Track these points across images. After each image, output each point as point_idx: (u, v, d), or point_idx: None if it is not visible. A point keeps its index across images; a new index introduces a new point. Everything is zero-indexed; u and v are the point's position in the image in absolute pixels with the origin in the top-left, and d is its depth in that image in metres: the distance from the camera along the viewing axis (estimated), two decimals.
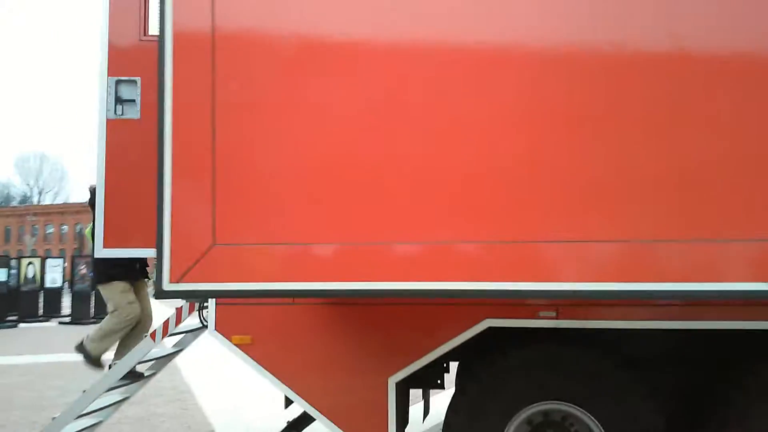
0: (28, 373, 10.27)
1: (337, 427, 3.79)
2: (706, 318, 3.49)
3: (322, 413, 3.81)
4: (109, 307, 4.96)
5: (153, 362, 4.79)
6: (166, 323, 4.34)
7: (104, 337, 4.90)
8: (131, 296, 4.98)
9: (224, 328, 3.88)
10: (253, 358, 3.84)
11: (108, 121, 4.26)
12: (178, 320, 4.34)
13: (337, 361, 3.79)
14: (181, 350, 4.89)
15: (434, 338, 3.68)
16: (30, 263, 20.03)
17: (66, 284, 24.41)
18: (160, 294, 2.79)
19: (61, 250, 73.73)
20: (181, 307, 4.34)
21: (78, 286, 19.42)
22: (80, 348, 4.98)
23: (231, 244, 2.77)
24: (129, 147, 4.27)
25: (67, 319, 19.11)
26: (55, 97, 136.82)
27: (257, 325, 3.87)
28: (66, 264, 24.15)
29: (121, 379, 4.47)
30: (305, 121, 2.84)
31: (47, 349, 13.09)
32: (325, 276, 2.73)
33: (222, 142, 2.82)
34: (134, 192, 4.22)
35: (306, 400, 3.83)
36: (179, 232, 2.80)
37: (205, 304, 4.10)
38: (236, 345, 3.85)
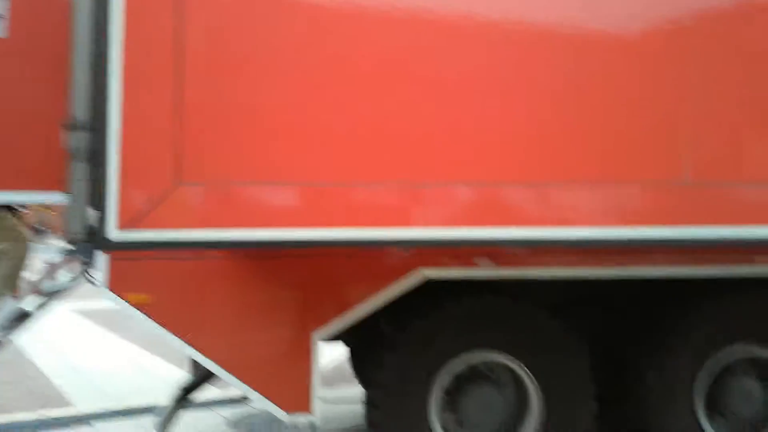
0: None
1: (252, 389, 3.43)
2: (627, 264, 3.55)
3: (236, 376, 3.41)
4: None
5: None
6: (33, 279, 3.65)
7: None
8: None
9: (118, 286, 3.32)
10: (153, 319, 3.33)
11: None
12: (50, 275, 3.66)
13: (254, 319, 3.41)
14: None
15: (364, 290, 3.41)
16: None
17: None
18: (105, 244, 2.24)
19: None
20: (55, 261, 3.66)
21: None
22: None
23: (201, 184, 2.27)
24: None
25: None
26: None
27: (158, 282, 3.36)
28: None
29: None
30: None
31: None
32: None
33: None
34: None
35: (217, 363, 3.41)
36: (131, 166, 2.26)
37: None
38: (132, 305, 3.32)
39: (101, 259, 3.31)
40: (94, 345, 8.13)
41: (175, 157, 2.31)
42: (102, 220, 2.32)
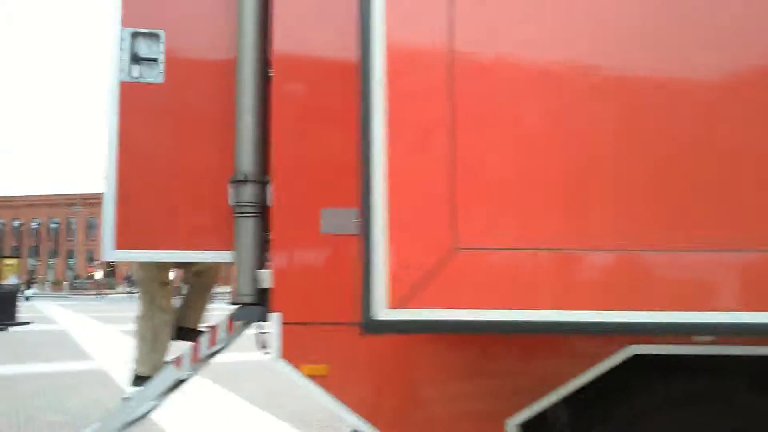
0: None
1: None
2: None
3: None
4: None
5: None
6: (195, 346, 3.39)
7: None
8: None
9: (293, 355, 3.01)
10: (329, 392, 2.98)
11: (122, 84, 3.28)
12: (212, 342, 3.40)
13: (440, 399, 3.00)
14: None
15: (566, 371, 2.95)
16: None
17: None
18: (372, 326, 1.92)
19: None
20: (216, 325, 3.40)
21: None
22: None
23: (481, 249, 1.93)
24: (149, 119, 3.32)
25: None
26: None
27: (335, 352, 3.02)
28: None
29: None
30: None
31: None
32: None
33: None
34: (158, 177, 3.28)
35: None
36: (401, 235, 1.95)
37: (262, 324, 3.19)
38: (308, 376, 2.99)
39: (273, 323, 3.02)
40: (217, 405, 7.90)
41: (450, 220, 1.98)
42: (366, 297, 1.98)
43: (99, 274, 75.31)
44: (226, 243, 3.23)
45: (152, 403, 3.57)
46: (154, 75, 3.29)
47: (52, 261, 77.84)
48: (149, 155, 3.29)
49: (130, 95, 3.27)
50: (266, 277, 3.07)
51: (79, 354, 12.65)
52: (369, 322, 1.99)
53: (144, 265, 3.63)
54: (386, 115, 2.15)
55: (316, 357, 3.01)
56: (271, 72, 3.20)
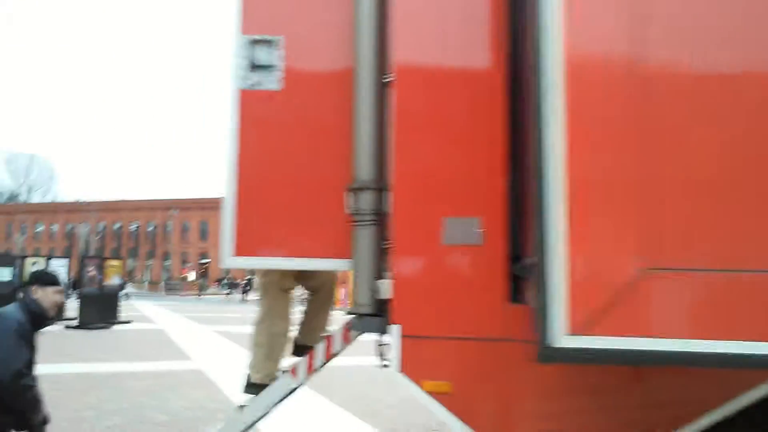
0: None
1: None
2: None
3: None
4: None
5: None
6: (311, 356, 3.34)
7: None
8: None
9: (414, 370, 2.90)
10: (452, 411, 2.86)
11: (241, 92, 3.28)
12: (327, 354, 3.34)
13: (584, 422, 2.81)
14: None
15: (723, 391, 2.70)
16: (35, 263, 18.81)
17: (71, 286, 23.11)
18: (551, 355, 1.78)
19: (51, 248, 72.32)
20: (332, 336, 3.35)
21: (86, 289, 18.18)
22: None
23: (675, 270, 1.76)
24: (267, 127, 3.31)
25: (74, 323, 17.90)
26: (47, 96, 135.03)
27: (459, 368, 2.90)
28: (71, 264, 22.88)
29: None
30: None
31: (63, 357, 11.98)
32: None
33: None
34: (276, 185, 3.26)
35: None
36: (582, 247, 1.81)
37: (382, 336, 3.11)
38: (429, 393, 2.88)
39: (392, 336, 2.93)
40: (311, 410, 7.93)
41: (638, 239, 1.79)
42: (543, 322, 1.80)
43: (192, 276, 78.30)
44: (343, 251, 3.17)
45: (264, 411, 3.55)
46: (272, 82, 3.28)
47: (148, 262, 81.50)
48: (268, 163, 3.27)
49: (249, 103, 3.27)
50: (385, 288, 2.97)
51: (178, 354, 13.04)
52: (547, 350, 1.80)
53: (267, 271, 3.62)
54: (564, 120, 1.97)
55: (437, 373, 2.90)
56: (388, 79, 3.12)
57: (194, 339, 16.03)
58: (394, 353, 2.90)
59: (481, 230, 2.87)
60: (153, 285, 61.64)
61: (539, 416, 2.83)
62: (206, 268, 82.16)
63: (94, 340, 14.71)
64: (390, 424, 7.01)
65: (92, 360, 11.53)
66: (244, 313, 28.05)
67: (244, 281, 55.11)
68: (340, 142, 3.20)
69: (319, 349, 3.33)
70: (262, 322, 3.65)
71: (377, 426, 6.93)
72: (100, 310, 17.92)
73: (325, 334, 3.57)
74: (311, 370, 3.34)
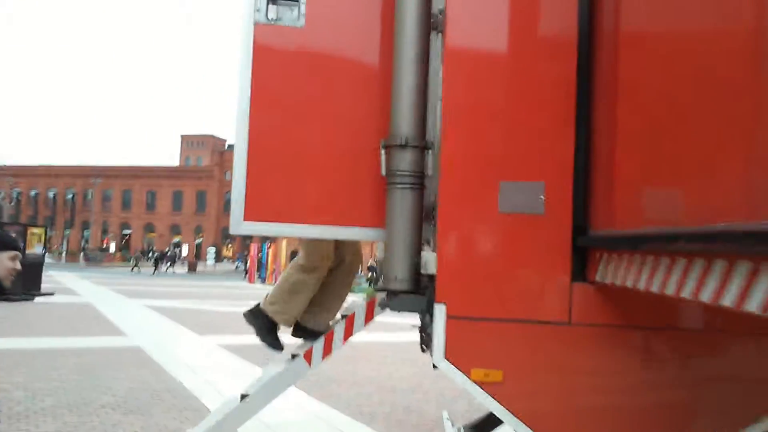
0: None
1: None
2: None
3: None
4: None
5: None
6: (329, 339, 2.91)
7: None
8: None
9: (461, 357, 2.52)
10: (500, 401, 2.49)
11: (257, 28, 2.78)
12: (348, 333, 2.92)
13: (651, 415, 2.50)
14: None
15: None
16: None
17: None
18: None
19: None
20: (353, 314, 2.92)
21: None
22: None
23: None
24: (286, 69, 2.83)
25: None
26: None
27: (513, 354, 2.53)
28: None
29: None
30: None
31: None
32: None
33: None
34: (296, 137, 2.80)
35: None
36: None
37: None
38: (477, 382, 2.50)
39: (435, 317, 2.53)
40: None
41: None
42: None
43: (113, 247, 75.46)
44: (375, 219, 2.75)
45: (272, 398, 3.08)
46: (294, 18, 2.79)
47: (67, 232, 77.94)
48: (286, 113, 2.79)
49: (266, 41, 2.78)
50: (430, 261, 2.57)
51: (112, 329, 12.27)
52: None
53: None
54: None
55: (488, 360, 2.52)
56: (438, 16, 2.69)
57: (126, 314, 15.17)
58: (436, 338, 2.51)
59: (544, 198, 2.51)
60: (72, 256, 58.85)
61: (602, 412, 2.51)
62: (128, 239, 79.33)
63: (16, 312, 13.65)
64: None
65: (15, 335, 10.61)
66: (172, 287, 27.07)
67: (166, 252, 53.45)
68: (375, 91, 2.76)
69: (338, 330, 2.91)
70: (296, 266, 3.18)
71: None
72: (23, 281, 16.70)
73: (335, 321, 3.11)
74: (329, 352, 2.91)
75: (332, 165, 2.80)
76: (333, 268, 3.18)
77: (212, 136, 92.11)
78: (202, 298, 20.92)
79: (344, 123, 2.81)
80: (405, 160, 2.68)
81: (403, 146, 2.67)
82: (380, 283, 2.74)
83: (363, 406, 6.77)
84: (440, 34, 2.67)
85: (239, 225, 2.74)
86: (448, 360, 2.51)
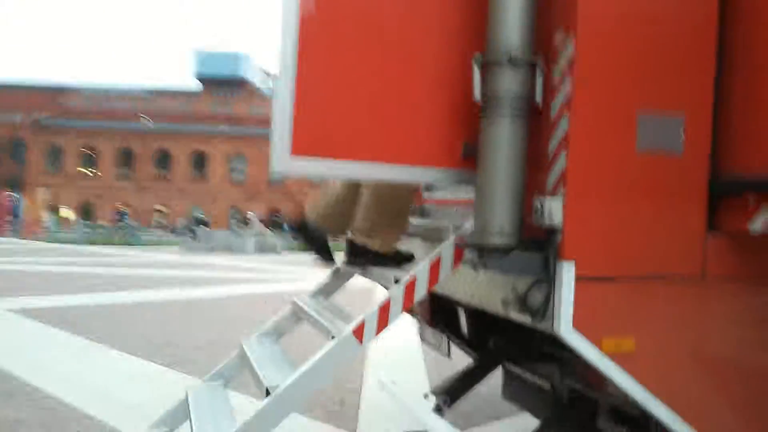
0: None
1: None
2: None
3: None
4: None
5: None
6: (410, 287, 2.27)
7: None
8: None
9: (591, 325, 2.06)
10: (631, 372, 2.09)
11: None
12: (430, 285, 2.30)
13: None
14: None
15: None
16: None
17: None
18: None
19: None
20: (438, 260, 2.28)
21: None
22: None
23: None
24: None
25: None
26: None
27: (647, 318, 2.13)
28: None
29: None
30: None
31: None
32: None
33: None
34: (357, 51, 2.12)
35: None
36: None
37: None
38: (609, 354, 2.07)
39: (561, 278, 2.04)
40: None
41: None
42: None
43: None
44: (453, 156, 2.17)
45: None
46: None
47: None
48: (347, 19, 2.08)
49: None
50: (554, 210, 2.05)
51: None
52: None
53: None
54: None
55: (620, 326, 2.11)
56: None
57: None
58: (561, 303, 2.03)
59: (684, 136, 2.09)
60: None
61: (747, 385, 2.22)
62: None
63: None
64: None
65: None
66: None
67: None
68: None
69: (422, 276, 2.26)
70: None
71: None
72: None
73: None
74: (383, 327, 2.28)
75: (409, 86, 2.14)
76: None
77: None
78: None
79: (423, 30, 2.15)
80: (506, 81, 2.09)
81: (503, 64, 2.08)
82: (472, 237, 2.18)
83: None
84: None
85: (285, 161, 2.00)
86: (576, 329, 2.05)
